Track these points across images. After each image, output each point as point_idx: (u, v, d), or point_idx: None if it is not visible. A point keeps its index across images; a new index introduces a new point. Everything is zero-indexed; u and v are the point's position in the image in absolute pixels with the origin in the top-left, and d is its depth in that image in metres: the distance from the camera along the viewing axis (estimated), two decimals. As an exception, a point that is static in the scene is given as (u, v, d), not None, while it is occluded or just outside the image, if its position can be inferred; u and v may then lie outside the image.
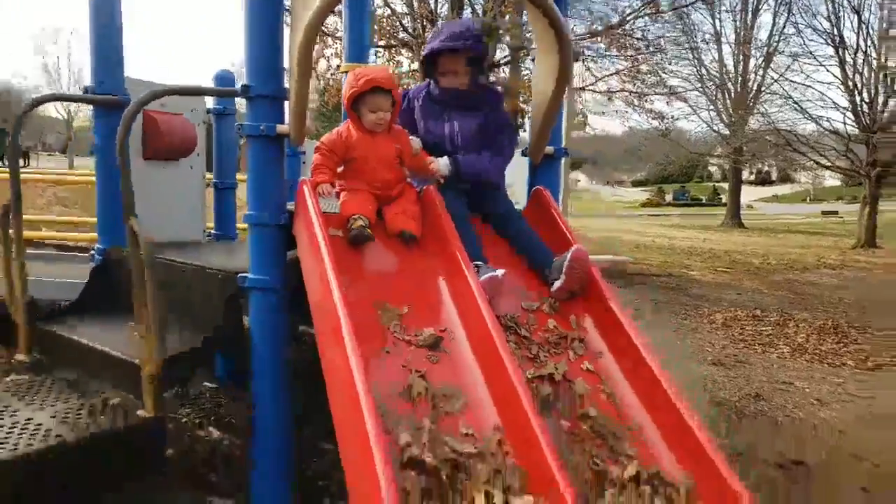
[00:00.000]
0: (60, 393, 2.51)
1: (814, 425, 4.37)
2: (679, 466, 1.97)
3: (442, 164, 2.63)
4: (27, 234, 3.74)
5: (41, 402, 2.43)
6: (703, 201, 51.30)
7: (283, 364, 2.52)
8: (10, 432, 2.15)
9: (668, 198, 53.39)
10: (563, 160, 3.08)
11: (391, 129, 2.53)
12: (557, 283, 2.44)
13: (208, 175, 4.37)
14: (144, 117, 3.61)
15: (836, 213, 40.78)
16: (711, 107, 26.06)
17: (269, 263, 2.47)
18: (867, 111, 20.38)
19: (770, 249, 17.70)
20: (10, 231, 2.83)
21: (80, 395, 2.48)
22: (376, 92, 2.42)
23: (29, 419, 2.26)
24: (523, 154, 2.92)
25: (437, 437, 1.88)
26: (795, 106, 21.65)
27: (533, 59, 2.81)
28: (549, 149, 2.84)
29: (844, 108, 21.05)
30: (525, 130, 3.12)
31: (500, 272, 2.40)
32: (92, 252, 3.46)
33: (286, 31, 2.41)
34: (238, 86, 2.53)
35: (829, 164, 22.39)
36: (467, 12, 11.66)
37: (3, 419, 2.25)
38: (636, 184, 72.85)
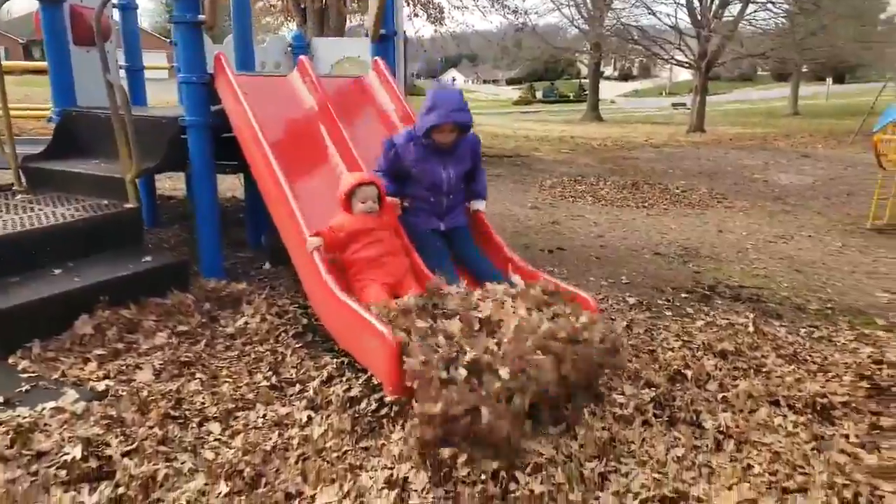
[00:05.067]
0: (66, 201, 3.84)
1: (582, 233, 6.35)
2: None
3: (481, 205, 3.60)
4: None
5: (54, 205, 3.76)
6: (571, 98, 54.11)
7: (212, 172, 3.96)
8: (39, 216, 3.51)
9: (539, 95, 55.77)
10: (395, 40, 4.55)
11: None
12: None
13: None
14: (72, 12, 4.72)
15: (684, 104, 44.83)
16: (572, 2, 27.75)
17: (199, 108, 3.84)
18: (698, 6, 22.90)
19: (612, 135, 20.15)
20: None
21: (80, 201, 3.82)
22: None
23: (53, 211, 3.61)
24: (366, 35, 4.38)
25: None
26: (640, 2, 23.83)
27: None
28: (383, 31, 4.32)
29: (680, 3, 23.52)
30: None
31: None
32: (50, 116, 4.63)
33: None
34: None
35: (667, 56, 25.00)
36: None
37: (34, 210, 3.59)
38: (510, 82, 74.90)
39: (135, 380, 2.77)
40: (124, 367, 2.87)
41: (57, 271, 3.32)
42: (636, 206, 8.37)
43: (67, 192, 4.02)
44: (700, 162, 13.25)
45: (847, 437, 2.54)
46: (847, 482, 2.21)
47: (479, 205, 3.60)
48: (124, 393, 2.63)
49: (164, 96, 10.51)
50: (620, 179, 10.52)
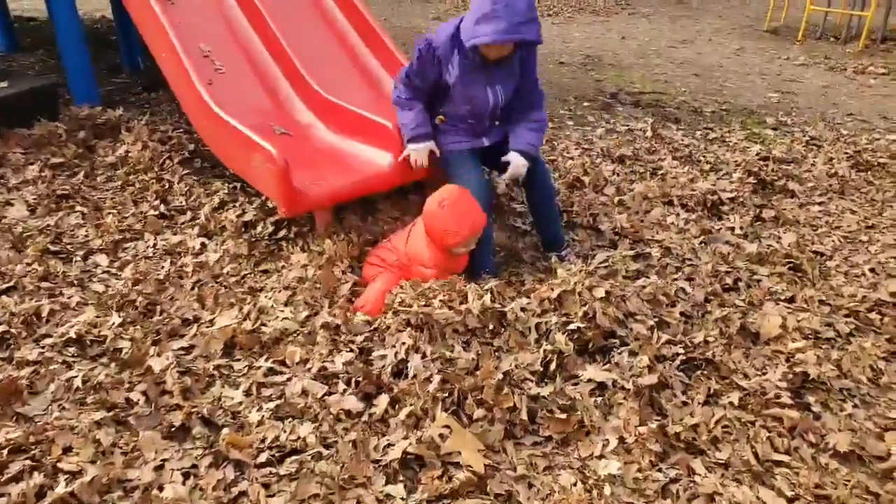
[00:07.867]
0: None
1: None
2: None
3: (521, 166, 2.32)
4: None
5: None
6: None
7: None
8: None
9: None
10: None
11: None
12: None
13: None
14: None
15: None
16: None
17: None
18: None
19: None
20: None
21: None
22: None
23: None
24: None
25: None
26: None
27: None
28: None
29: None
30: None
31: None
32: None
33: None
34: None
35: None
36: None
37: None
38: None
39: (6, 217, 2.55)
40: (-9, 205, 2.62)
41: None
42: (541, 14, 8.07)
43: None
44: (607, -34, 12.78)
45: (732, 229, 2.69)
46: (729, 269, 2.37)
47: (515, 157, 2.32)
48: (-6, 231, 2.42)
49: None
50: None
